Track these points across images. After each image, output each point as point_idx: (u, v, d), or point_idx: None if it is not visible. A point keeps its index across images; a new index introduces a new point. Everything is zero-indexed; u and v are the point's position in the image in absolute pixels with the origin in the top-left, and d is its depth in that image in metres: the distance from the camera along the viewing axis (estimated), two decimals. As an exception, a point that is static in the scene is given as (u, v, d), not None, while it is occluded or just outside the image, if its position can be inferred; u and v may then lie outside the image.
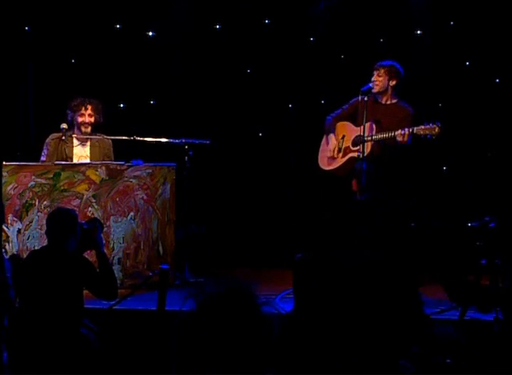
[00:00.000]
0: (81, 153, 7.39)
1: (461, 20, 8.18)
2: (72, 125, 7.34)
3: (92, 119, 7.33)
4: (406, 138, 6.62)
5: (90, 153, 7.38)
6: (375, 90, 6.92)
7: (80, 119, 7.31)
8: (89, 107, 7.33)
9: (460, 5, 8.16)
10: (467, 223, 6.49)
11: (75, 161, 7.33)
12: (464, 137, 8.17)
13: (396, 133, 6.66)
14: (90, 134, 7.37)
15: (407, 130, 6.62)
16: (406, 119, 6.87)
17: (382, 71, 6.92)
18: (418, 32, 8.31)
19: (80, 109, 7.31)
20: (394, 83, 6.96)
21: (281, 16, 8.48)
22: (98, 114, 7.36)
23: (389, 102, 7.01)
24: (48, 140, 7.36)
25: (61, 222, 5.27)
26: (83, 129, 7.32)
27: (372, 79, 6.92)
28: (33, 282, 5.11)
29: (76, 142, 7.38)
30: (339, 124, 7.18)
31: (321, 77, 8.42)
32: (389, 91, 6.98)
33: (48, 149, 7.34)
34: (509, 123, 8.03)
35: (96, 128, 7.41)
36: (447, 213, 8.21)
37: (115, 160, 7.22)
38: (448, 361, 4.32)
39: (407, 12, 8.29)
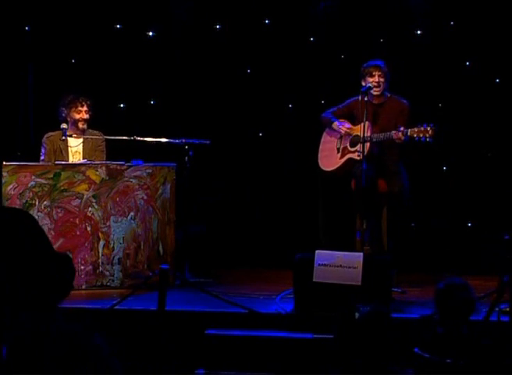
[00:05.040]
0: (74, 144, 7.39)
1: (461, 20, 8.18)
2: (66, 121, 7.34)
3: (88, 116, 7.37)
4: (402, 136, 6.64)
5: (83, 147, 7.40)
6: (380, 91, 6.92)
7: (77, 116, 7.33)
8: (85, 104, 7.35)
9: (460, 5, 8.16)
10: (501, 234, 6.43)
11: (70, 155, 7.36)
12: (464, 137, 8.18)
13: (393, 133, 6.68)
14: (85, 130, 7.39)
15: (402, 129, 6.64)
16: (403, 112, 6.94)
17: (382, 72, 6.93)
18: (418, 32, 8.32)
19: (77, 106, 7.33)
20: (386, 81, 7.00)
21: (281, 16, 8.48)
22: (92, 111, 7.40)
23: (382, 100, 7.03)
24: (43, 139, 7.40)
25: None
26: (80, 125, 7.33)
27: (376, 80, 6.90)
28: None
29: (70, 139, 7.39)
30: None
31: (321, 77, 8.42)
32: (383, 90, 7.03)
33: (45, 148, 7.37)
34: (509, 123, 8.03)
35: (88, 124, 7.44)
36: (447, 213, 8.22)
37: (114, 160, 7.23)
38: (448, 361, 4.32)
39: (407, 12, 8.29)
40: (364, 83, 6.92)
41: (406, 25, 8.29)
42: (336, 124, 7.10)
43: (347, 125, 7.06)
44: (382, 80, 6.91)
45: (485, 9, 8.03)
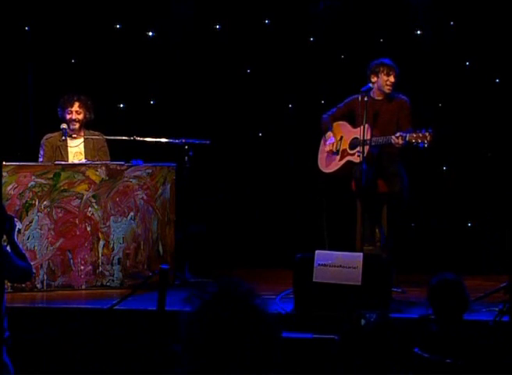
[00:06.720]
0: (74, 144, 7.36)
1: (461, 20, 8.19)
2: (64, 122, 7.33)
3: (80, 117, 7.29)
4: (401, 141, 6.67)
5: (85, 148, 7.37)
6: (390, 90, 7.00)
7: (67, 117, 7.29)
8: (76, 104, 7.27)
9: (460, 5, 8.17)
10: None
11: (70, 156, 7.33)
12: (464, 137, 8.18)
13: (392, 137, 6.71)
14: (78, 131, 7.34)
15: (400, 134, 6.68)
16: (403, 106, 7.01)
17: (397, 74, 7.01)
18: (418, 32, 8.32)
19: (67, 106, 7.28)
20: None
21: (281, 16, 8.49)
22: (87, 110, 7.32)
23: (384, 96, 7.07)
24: (43, 140, 7.36)
25: None
26: (71, 126, 7.28)
27: (392, 80, 6.97)
28: None
29: (69, 139, 7.36)
30: (337, 124, 7.21)
31: (321, 77, 8.42)
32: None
33: (44, 150, 7.34)
34: (509, 123, 8.03)
35: (86, 125, 7.39)
36: (447, 213, 8.22)
37: (114, 160, 7.22)
38: (448, 361, 4.31)
39: (407, 12, 8.29)
40: (374, 79, 6.98)
41: (406, 25, 8.29)
42: (327, 135, 7.18)
43: (332, 141, 7.10)
44: (395, 81, 6.99)
45: (485, 9, 8.03)
